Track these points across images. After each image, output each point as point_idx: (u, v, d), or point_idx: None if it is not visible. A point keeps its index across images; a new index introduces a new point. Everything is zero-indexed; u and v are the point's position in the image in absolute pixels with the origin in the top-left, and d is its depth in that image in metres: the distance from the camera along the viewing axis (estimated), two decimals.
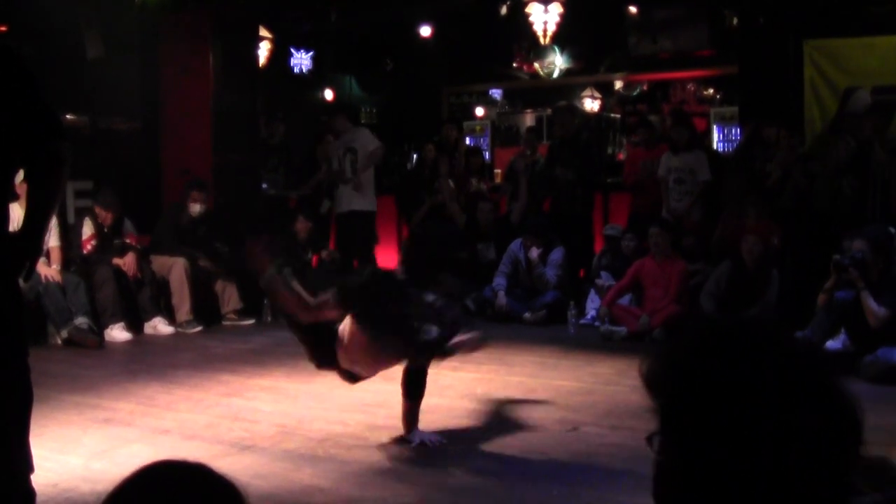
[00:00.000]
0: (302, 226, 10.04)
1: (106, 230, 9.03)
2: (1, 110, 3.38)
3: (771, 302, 8.27)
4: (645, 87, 16.05)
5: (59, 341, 8.33)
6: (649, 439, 1.20)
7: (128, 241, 9.11)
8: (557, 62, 11.33)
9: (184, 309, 9.16)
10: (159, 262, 9.30)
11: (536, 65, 11.46)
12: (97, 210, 9.00)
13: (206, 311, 9.43)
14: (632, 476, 4.21)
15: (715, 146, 13.16)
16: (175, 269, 9.19)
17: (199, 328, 9.09)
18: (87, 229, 8.95)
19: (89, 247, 8.91)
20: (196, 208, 9.46)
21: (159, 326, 9.00)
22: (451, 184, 10.86)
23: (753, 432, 1.08)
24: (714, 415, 1.10)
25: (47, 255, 8.47)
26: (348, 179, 10.20)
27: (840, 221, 8.85)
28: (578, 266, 10.10)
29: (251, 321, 9.54)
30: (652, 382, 1.18)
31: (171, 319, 9.15)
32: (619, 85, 15.79)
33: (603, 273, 9.52)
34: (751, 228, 8.70)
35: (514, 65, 11.30)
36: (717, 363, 1.12)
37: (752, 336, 1.15)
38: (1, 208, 3.53)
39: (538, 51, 10.94)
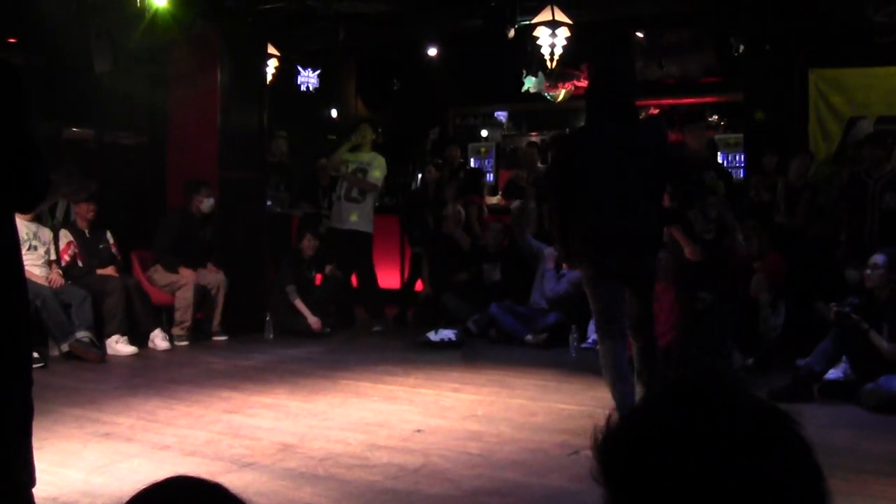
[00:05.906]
0: (308, 244, 10.04)
1: (87, 234, 9.01)
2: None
3: (777, 332, 8.28)
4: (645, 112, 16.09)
5: (58, 353, 8.30)
6: None
7: (113, 250, 9.15)
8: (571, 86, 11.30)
9: (182, 325, 9.17)
10: (165, 278, 9.32)
11: (545, 91, 11.49)
12: (77, 209, 9.01)
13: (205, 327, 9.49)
14: None
15: None
16: (184, 289, 9.19)
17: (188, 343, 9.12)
18: (64, 238, 8.88)
19: (66, 256, 8.84)
20: (208, 203, 9.44)
21: (157, 341, 8.95)
22: (460, 208, 10.82)
23: None
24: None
25: (49, 266, 8.57)
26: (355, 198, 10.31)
27: (840, 249, 8.89)
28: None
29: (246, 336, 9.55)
30: (604, 466, 1.09)
31: (170, 334, 9.14)
32: None
33: None
34: (754, 256, 8.70)
35: (524, 90, 11.36)
36: (671, 455, 1.04)
37: (711, 419, 1.06)
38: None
39: (548, 74, 10.96)
